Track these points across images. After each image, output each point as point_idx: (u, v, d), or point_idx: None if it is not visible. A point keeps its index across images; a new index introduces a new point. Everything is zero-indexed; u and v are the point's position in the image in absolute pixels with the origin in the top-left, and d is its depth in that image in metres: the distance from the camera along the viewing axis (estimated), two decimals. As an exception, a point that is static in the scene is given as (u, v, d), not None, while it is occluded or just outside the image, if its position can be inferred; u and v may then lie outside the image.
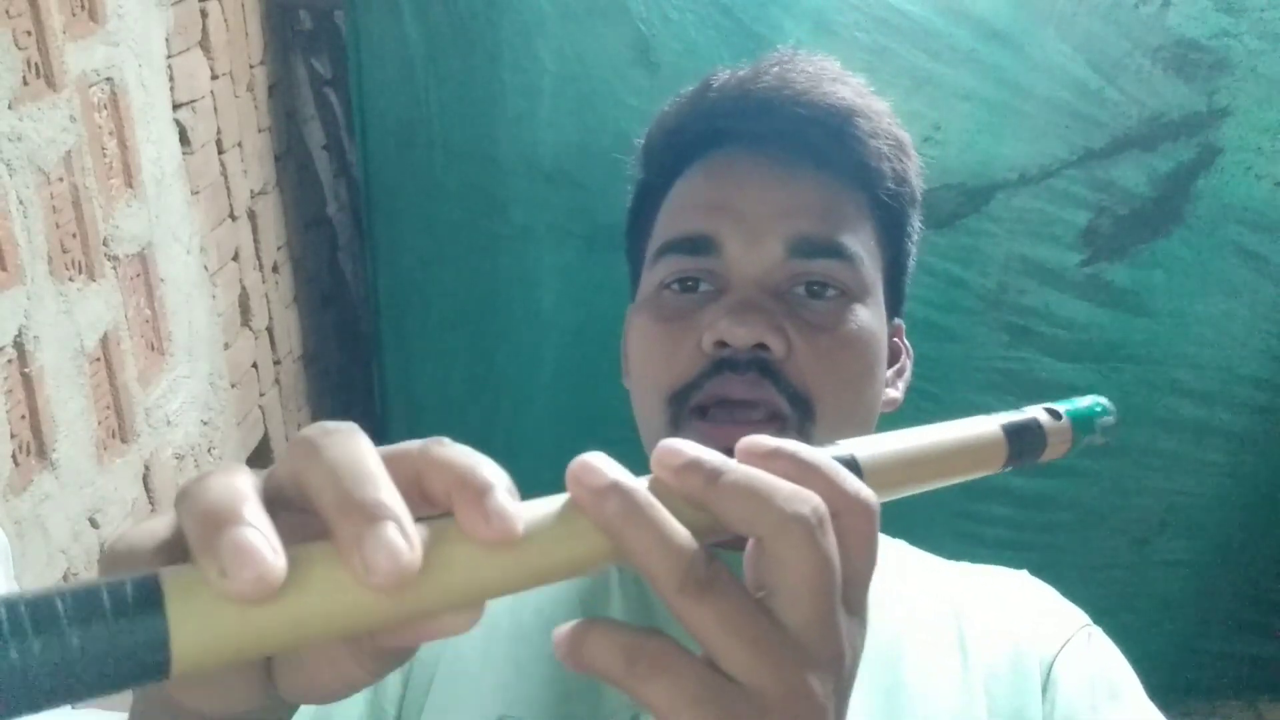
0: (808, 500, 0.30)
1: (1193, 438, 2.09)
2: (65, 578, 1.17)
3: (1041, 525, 2.14)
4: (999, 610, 0.60)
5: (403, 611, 0.27)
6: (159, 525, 0.28)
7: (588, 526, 0.29)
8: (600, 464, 0.29)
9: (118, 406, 1.31)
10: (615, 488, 0.29)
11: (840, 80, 0.61)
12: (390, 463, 0.28)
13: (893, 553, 0.64)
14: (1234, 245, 1.93)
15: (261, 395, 1.88)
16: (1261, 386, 2.04)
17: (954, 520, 2.12)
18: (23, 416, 1.10)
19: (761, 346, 0.55)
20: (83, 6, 1.24)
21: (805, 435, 0.55)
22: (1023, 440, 0.42)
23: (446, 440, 0.29)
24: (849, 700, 0.32)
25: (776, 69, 0.61)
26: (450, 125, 1.92)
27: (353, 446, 0.27)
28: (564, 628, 0.30)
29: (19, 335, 1.08)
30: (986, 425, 0.42)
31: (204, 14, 1.61)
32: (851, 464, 0.35)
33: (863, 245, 0.60)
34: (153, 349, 1.43)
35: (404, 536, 0.25)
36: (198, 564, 0.25)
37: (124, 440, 1.33)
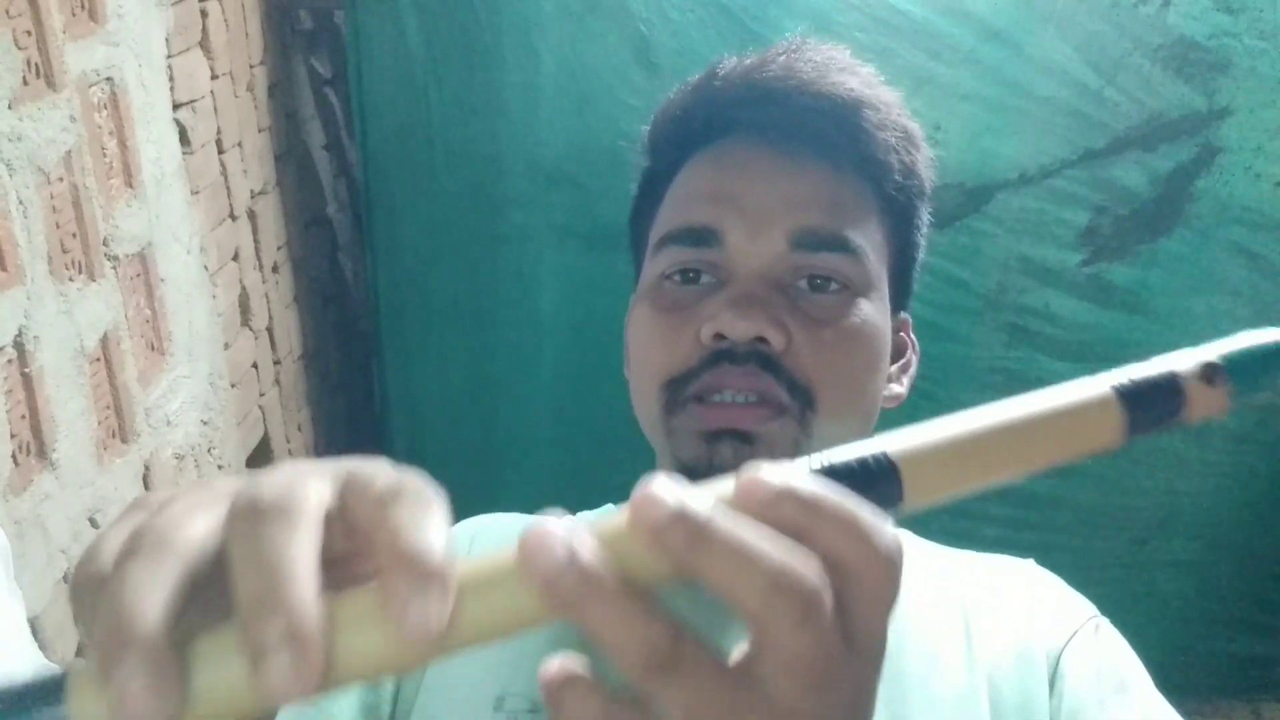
0: (800, 578, 0.26)
1: (1193, 438, 2.09)
2: (65, 578, 1.17)
3: (1041, 525, 2.14)
4: (1005, 600, 0.59)
5: (307, 700, 0.26)
6: (123, 540, 0.28)
7: (535, 596, 0.26)
8: (556, 530, 0.26)
9: (118, 406, 1.31)
10: (569, 563, 0.25)
11: (849, 70, 0.60)
12: (351, 502, 0.27)
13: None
14: (1234, 245, 1.93)
15: (261, 395, 1.88)
16: (1263, 401, 2.04)
17: (952, 519, 2.12)
18: (23, 416, 1.10)
19: (761, 340, 0.54)
20: (83, 6, 1.24)
21: (806, 425, 0.54)
22: (1151, 406, 0.34)
23: (408, 492, 0.27)
24: None
25: (783, 58, 0.60)
26: (450, 125, 1.92)
27: (282, 538, 0.26)
28: (552, 666, 0.28)
29: (19, 335, 1.08)
30: (1089, 390, 0.33)
31: (204, 14, 1.61)
32: (886, 472, 0.29)
33: (868, 239, 0.59)
34: (153, 349, 1.43)
35: (307, 658, 0.24)
36: (100, 678, 0.25)
37: (124, 440, 1.33)
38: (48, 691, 0.26)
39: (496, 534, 0.65)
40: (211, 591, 0.27)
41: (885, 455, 0.30)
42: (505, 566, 0.27)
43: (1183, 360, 0.34)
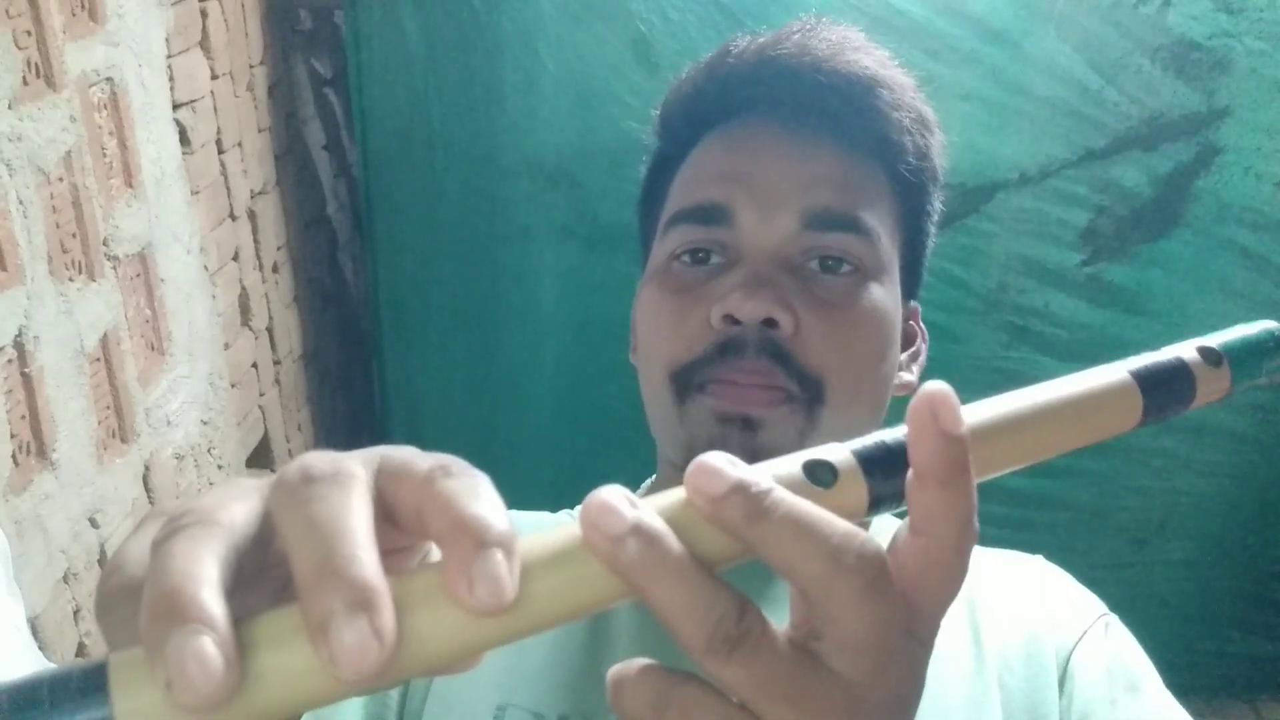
0: (864, 552, 0.26)
1: (1193, 438, 2.09)
2: (65, 578, 1.17)
3: (1041, 525, 2.14)
4: (1014, 598, 0.58)
5: (376, 687, 0.25)
6: (149, 545, 0.26)
7: (599, 570, 0.26)
8: (618, 503, 0.25)
9: (118, 406, 1.31)
10: (635, 533, 0.25)
11: (864, 50, 0.59)
12: (391, 482, 0.26)
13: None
14: (1234, 245, 1.93)
15: (261, 395, 1.88)
16: (1261, 386, 2.03)
17: (954, 520, 2.12)
18: (23, 416, 1.10)
19: (769, 322, 0.53)
20: (83, 6, 1.24)
21: (814, 416, 0.54)
22: (1165, 390, 0.35)
23: (455, 467, 0.26)
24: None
25: (798, 36, 0.59)
26: (450, 125, 1.92)
27: (338, 503, 0.24)
28: (615, 669, 0.27)
29: (19, 335, 1.08)
30: (1113, 375, 0.34)
31: (204, 14, 1.61)
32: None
33: (880, 222, 0.57)
34: (153, 349, 1.43)
35: (377, 628, 0.23)
36: (147, 659, 0.23)
37: (124, 440, 1.33)
38: (87, 684, 0.24)
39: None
40: (252, 593, 0.26)
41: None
42: (567, 540, 0.26)
43: (1186, 349, 0.36)
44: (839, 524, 0.26)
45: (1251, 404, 2.05)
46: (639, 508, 0.25)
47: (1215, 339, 0.38)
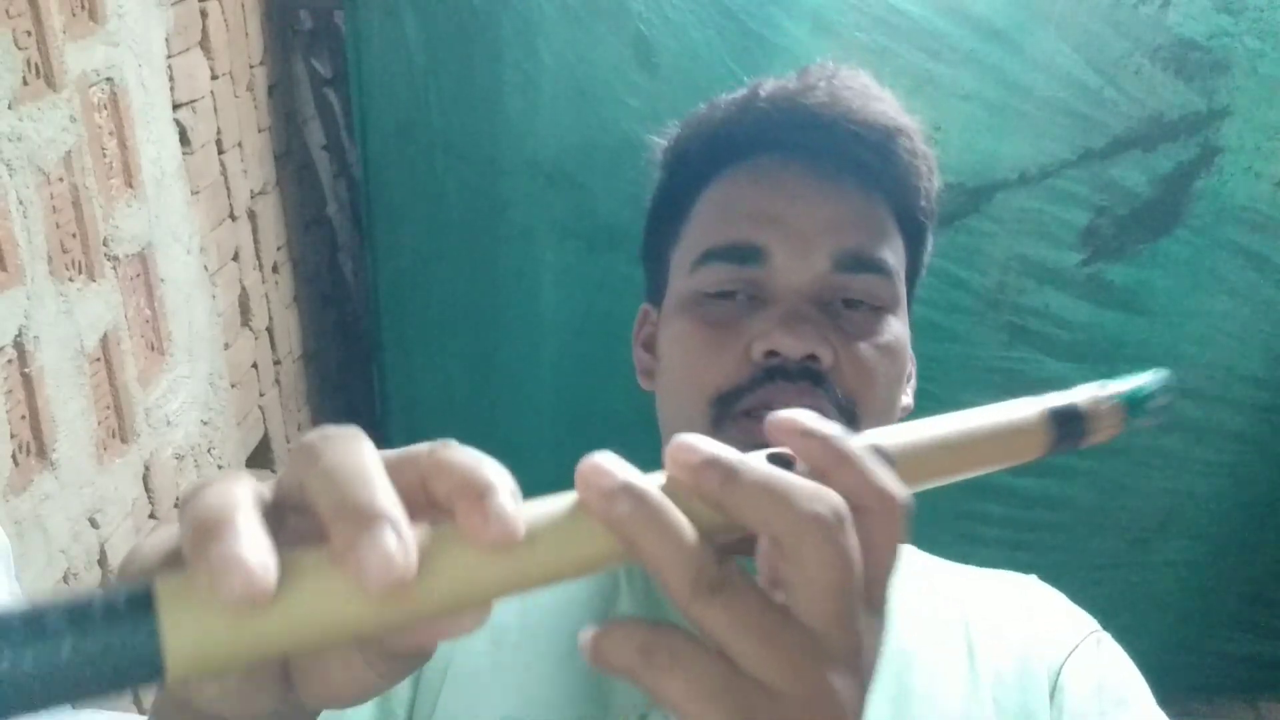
0: (827, 500, 0.29)
1: (1193, 438, 2.09)
2: (65, 578, 1.17)
3: (1041, 525, 2.14)
4: (1007, 615, 0.60)
5: (400, 617, 0.27)
6: (166, 536, 0.28)
7: (595, 528, 0.29)
8: (610, 465, 0.29)
9: (118, 406, 1.31)
10: (626, 489, 0.28)
11: (882, 99, 0.63)
12: (395, 467, 0.28)
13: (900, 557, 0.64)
14: (1234, 245, 1.93)
15: (261, 395, 1.88)
16: (1261, 386, 2.03)
17: (954, 520, 2.12)
18: (23, 416, 1.10)
19: (811, 357, 0.56)
20: (83, 6, 1.24)
21: None
22: (1067, 425, 0.41)
23: (454, 443, 0.29)
24: (869, 697, 0.32)
25: (825, 84, 0.62)
26: (450, 125, 1.92)
27: (352, 450, 0.27)
28: (587, 632, 0.30)
29: (19, 335, 1.08)
30: (1027, 410, 0.40)
31: (204, 14, 1.61)
32: (882, 455, 0.33)
33: (896, 260, 0.61)
34: (153, 349, 1.43)
35: (399, 541, 0.25)
36: (191, 573, 0.25)
37: (124, 440, 1.33)
38: (135, 601, 0.25)
39: None
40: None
41: (883, 448, 0.34)
42: (566, 501, 0.29)
43: (1087, 393, 0.42)
44: (806, 481, 0.30)
45: (1252, 404, 2.05)
46: (627, 469, 0.29)
47: (1111, 386, 0.44)
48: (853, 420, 0.57)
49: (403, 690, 0.57)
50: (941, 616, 0.59)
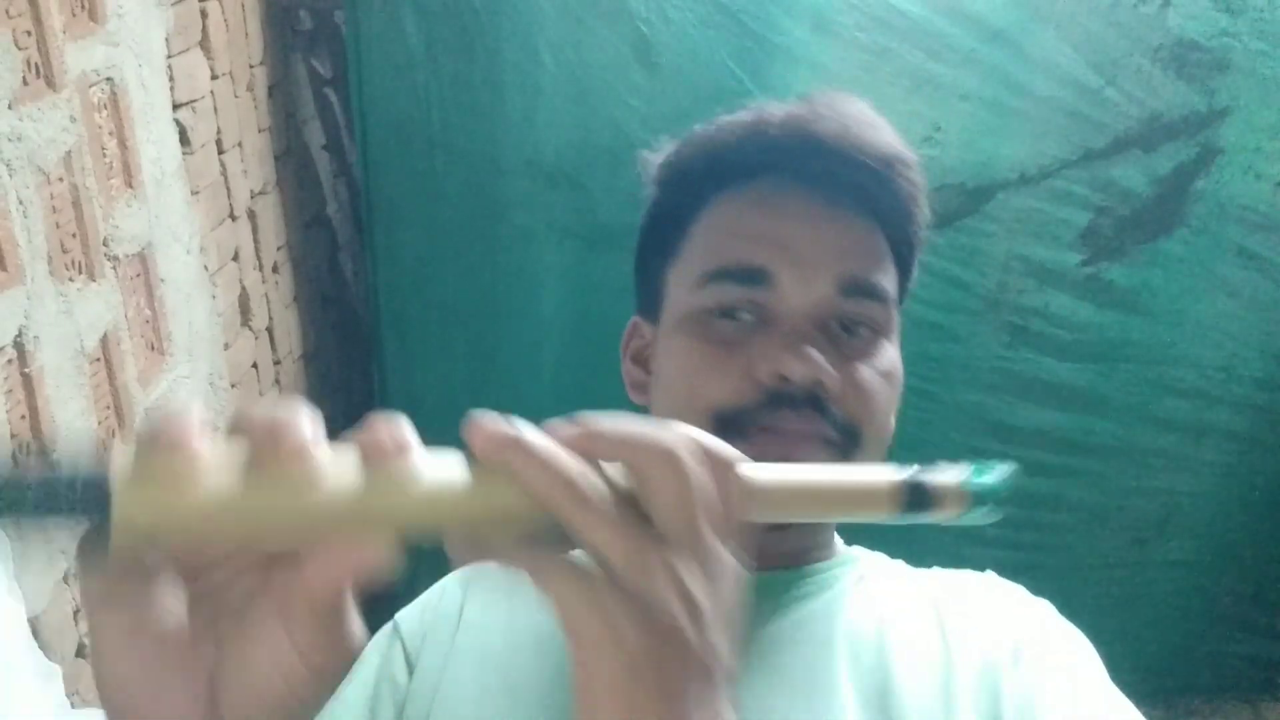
0: (672, 435, 0.37)
1: (1193, 438, 2.09)
2: (65, 578, 1.17)
3: (1041, 525, 2.14)
4: (972, 602, 0.62)
5: (304, 522, 0.34)
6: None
7: (488, 474, 0.36)
8: (492, 419, 0.37)
9: (118, 406, 1.31)
10: (508, 435, 0.36)
11: (885, 129, 0.64)
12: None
13: (871, 559, 0.67)
14: (1234, 245, 1.93)
15: (261, 395, 1.88)
16: (1261, 386, 2.03)
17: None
18: (23, 416, 1.10)
19: (817, 383, 0.57)
20: (83, 6, 1.24)
21: (850, 460, 0.59)
22: (915, 496, 0.48)
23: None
24: (730, 605, 0.38)
25: (832, 113, 0.63)
26: (450, 125, 1.92)
27: (287, 405, 0.36)
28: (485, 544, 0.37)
29: (19, 335, 1.08)
30: (884, 476, 0.47)
31: (204, 14, 1.61)
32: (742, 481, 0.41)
33: (891, 285, 0.63)
34: (153, 349, 1.43)
35: (309, 436, 0.34)
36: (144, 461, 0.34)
37: (124, 440, 1.33)
38: (93, 480, 0.32)
39: (489, 581, 0.66)
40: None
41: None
42: (457, 456, 0.37)
43: (943, 474, 0.49)
44: (653, 428, 0.37)
45: (1251, 404, 2.05)
46: (512, 423, 0.37)
47: (962, 471, 0.51)
48: (856, 443, 0.59)
49: (387, 712, 0.59)
50: (914, 606, 0.61)
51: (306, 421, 0.35)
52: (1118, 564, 2.19)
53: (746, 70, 1.80)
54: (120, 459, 0.33)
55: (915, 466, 0.48)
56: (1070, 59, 1.81)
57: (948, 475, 0.49)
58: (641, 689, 0.35)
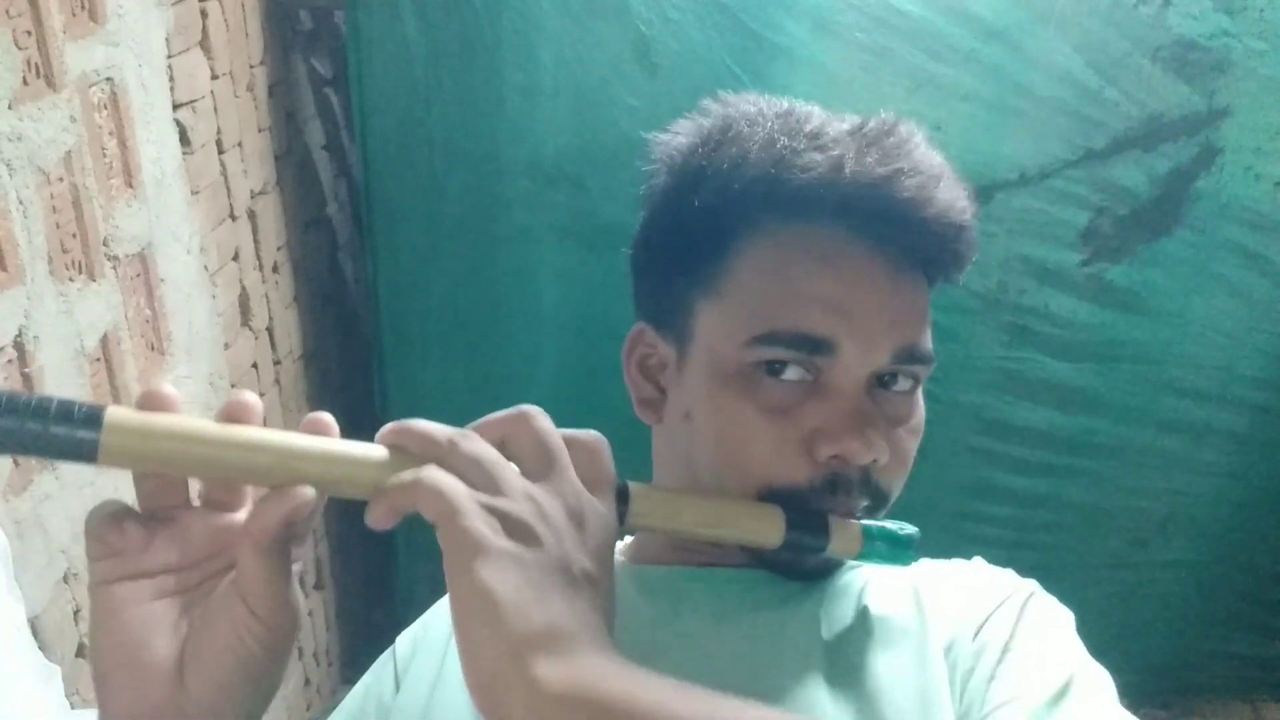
0: (525, 407, 0.47)
1: (1193, 438, 2.09)
2: (65, 578, 1.17)
3: (1041, 525, 2.14)
4: (952, 583, 0.62)
5: (252, 457, 0.44)
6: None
7: (387, 456, 0.45)
8: (392, 424, 0.46)
9: (118, 406, 1.31)
10: (406, 424, 0.46)
11: (957, 185, 0.61)
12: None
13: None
14: (1234, 245, 1.93)
15: (261, 395, 1.88)
16: (1261, 386, 2.03)
17: (954, 520, 2.12)
18: (23, 416, 1.10)
19: (873, 462, 0.57)
20: (83, 6, 1.24)
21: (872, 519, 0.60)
22: (804, 523, 0.54)
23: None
24: (598, 535, 0.46)
25: (909, 173, 0.59)
26: (450, 125, 1.92)
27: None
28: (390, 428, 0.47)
29: (19, 335, 1.08)
30: (772, 506, 0.55)
31: (204, 14, 1.61)
32: (623, 490, 0.50)
33: (930, 341, 0.62)
34: (153, 349, 1.43)
35: (249, 398, 0.45)
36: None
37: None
38: (90, 414, 0.41)
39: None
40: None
41: (626, 485, 0.51)
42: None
43: (841, 518, 0.57)
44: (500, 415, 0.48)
45: (1251, 404, 2.05)
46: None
47: (868, 521, 0.58)
48: (883, 505, 0.60)
49: None
50: (891, 584, 0.62)
51: (254, 398, 0.46)
52: (1118, 564, 2.19)
53: (746, 70, 1.80)
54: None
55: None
56: (1070, 59, 1.81)
57: (845, 518, 0.56)
58: (506, 588, 0.41)
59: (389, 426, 0.46)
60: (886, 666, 0.56)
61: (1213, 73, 1.80)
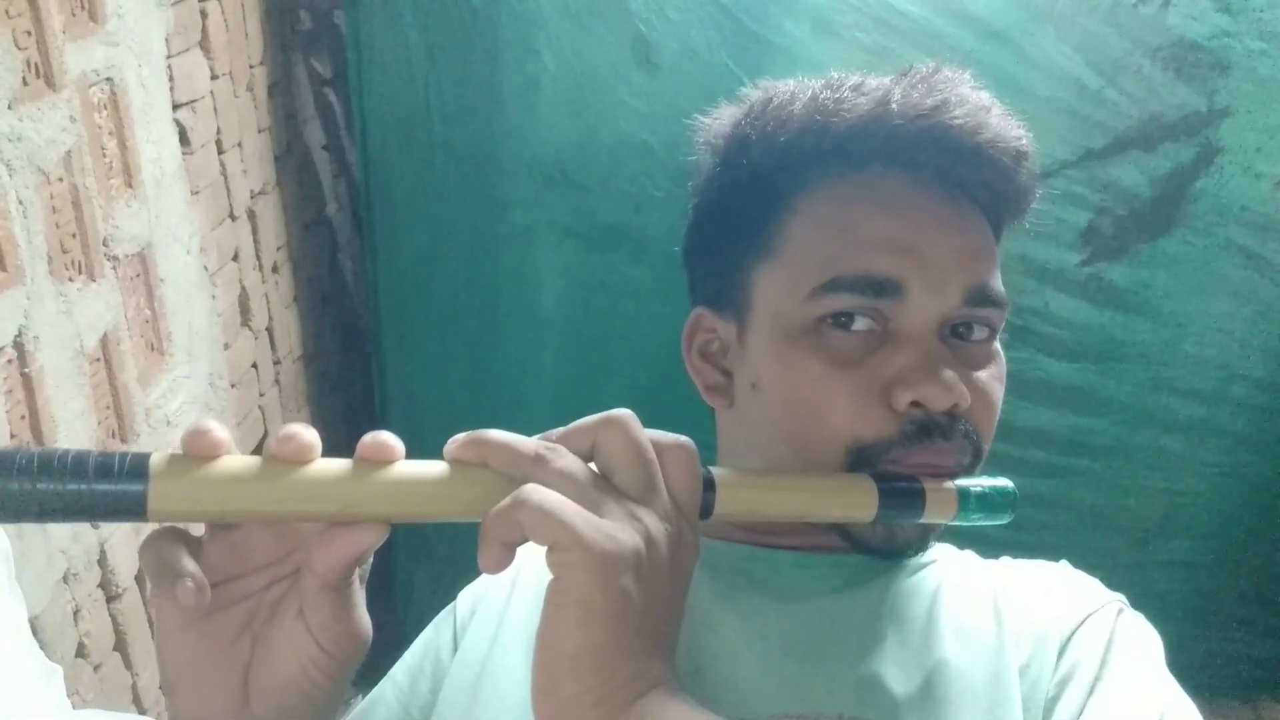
0: (611, 415, 0.44)
1: (1193, 438, 2.08)
2: (65, 578, 1.17)
3: (1041, 525, 2.14)
4: (1034, 590, 0.60)
5: (307, 506, 0.41)
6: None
7: (461, 473, 0.42)
8: (462, 436, 0.44)
9: (118, 406, 1.31)
10: (473, 434, 0.44)
11: (1009, 118, 0.60)
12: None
13: (938, 549, 0.64)
14: (1234, 245, 1.92)
15: (261, 395, 1.88)
16: (1261, 386, 2.03)
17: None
18: (23, 416, 1.10)
19: (954, 405, 0.55)
20: (83, 6, 1.24)
21: (970, 476, 0.57)
22: (897, 495, 0.51)
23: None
24: (683, 588, 0.44)
25: (959, 101, 0.57)
26: (450, 125, 1.92)
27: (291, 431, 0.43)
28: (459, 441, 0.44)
29: (19, 335, 1.08)
30: (863, 478, 0.51)
31: (204, 14, 1.61)
32: (708, 480, 0.47)
33: (1001, 285, 0.60)
34: (153, 349, 1.43)
35: (304, 435, 0.42)
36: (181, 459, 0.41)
37: (124, 440, 1.33)
38: (133, 465, 0.38)
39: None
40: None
41: (710, 474, 0.47)
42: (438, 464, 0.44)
43: (934, 482, 0.53)
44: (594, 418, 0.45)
45: (1251, 404, 2.05)
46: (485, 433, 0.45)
47: (963, 481, 0.54)
48: (979, 460, 0.57)
49: (425, 684, 0.62)
50: (971, 592, 0.59)
51: (310, 431, 0.42)
52: (1118, 564, 2.19)
53: (746, 70, 1.80)
54: (158, 455, 0.40)
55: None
56: (1070, 59, 1.81)
57: (937, 482, 0.52)
58: (590, 634, 0.39)
59: (462, 439, 0.43)
60: (958, 673, 0.54)
61: (1213, 73, 1.80)
